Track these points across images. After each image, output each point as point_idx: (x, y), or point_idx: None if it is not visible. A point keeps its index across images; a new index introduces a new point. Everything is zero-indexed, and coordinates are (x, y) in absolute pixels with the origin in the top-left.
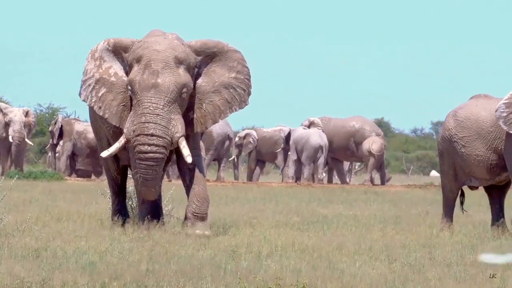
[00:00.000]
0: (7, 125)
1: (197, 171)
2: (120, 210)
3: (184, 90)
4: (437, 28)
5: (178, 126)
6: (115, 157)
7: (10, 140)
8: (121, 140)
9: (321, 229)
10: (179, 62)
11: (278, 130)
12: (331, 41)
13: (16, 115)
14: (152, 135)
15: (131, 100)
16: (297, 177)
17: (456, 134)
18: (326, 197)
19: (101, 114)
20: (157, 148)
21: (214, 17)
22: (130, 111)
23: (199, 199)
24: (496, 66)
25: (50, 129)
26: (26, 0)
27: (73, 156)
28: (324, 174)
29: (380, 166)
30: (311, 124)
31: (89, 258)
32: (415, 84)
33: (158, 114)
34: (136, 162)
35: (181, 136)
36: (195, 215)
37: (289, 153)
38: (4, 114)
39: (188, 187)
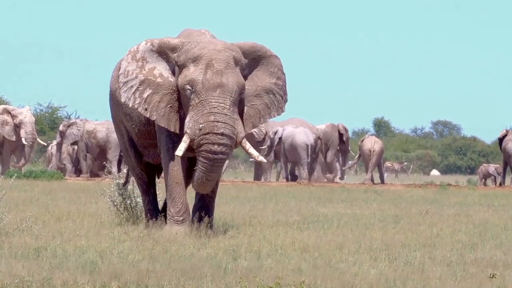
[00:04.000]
0: (17, 127)
1: None
2: (151, 209)
3: (243, 90)
4: (438, 28)
5: (240, 127)
6: (138, 154)
7: (24, 142)
8: (186, 140)
9: (321, 228)
10: (236, 62)
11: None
12: (332, 41)
13: (26, 116)
14: (222, 134)
15: (178, 101)
16: (292, 175)
17: None
18: (326, 196)
19: (147, 116)
20: (225, 148)
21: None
22: (177, 112)
23: (206, 210)
24: (496, 65)
25: (60, 129)
26: (24, 2)
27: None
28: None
29: (378, 165)
30: None
31: (89, 257)
32: (415, 84)
33: (226, 114)
34: (201, 161)
35: (244, 137)
36: (200, 220)
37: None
38: (13, 116)
39: None
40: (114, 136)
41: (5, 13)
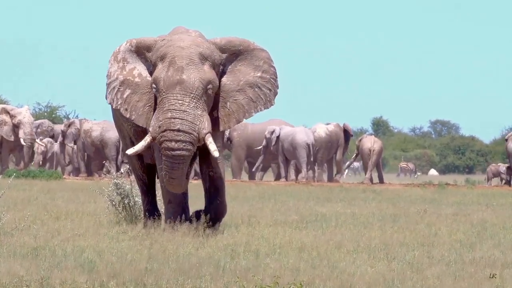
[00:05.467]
0: (15, 127)
1: (218, 178)
2: (150, 209)
3: (210, 86)
4: (437, 28)
5: (204, 122)
6: (139, 155)
7: (22, 142)
8: (147, 138)
9: (320, 228)
10: (203, 58)
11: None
12: (330, 41)
13: (25, 116)
14: (178, 130)
15: (155, 100)
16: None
17: None
18: (325, 196)
19: (127, 116)
20: (184, 144)
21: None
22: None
23: (216, 211)
24: (495, 65)
25: (62, 128)
26: (23, 1)
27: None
28: (309, 171)
29: (377, 165)
30: None
31: (88, 257)
32: (413, 83)
33: (184, 110)
34: (162, 159)
35: (207, 132)
36: (212, 223)
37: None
38: (12, 116)
39: (206, 192)
40: (108, 135)
41: (4, 13)
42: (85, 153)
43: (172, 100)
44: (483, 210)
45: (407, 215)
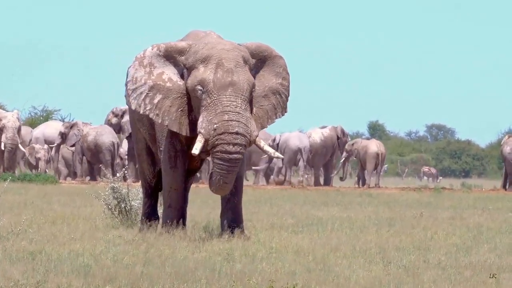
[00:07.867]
0: (1, 130)
1: (239, 177)
2: (150, 213)
3: (254, 89)
4: (433, 31)
5: (253, 125)
6: (152, 161)
7: (2, 147)
8: (201, 140)
9: (316, 232)
10: (245, 61)
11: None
12: (326, 43)
13: (9, 121)
14: (237, 133)
15: (188, 104)
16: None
17: None
18: (321, 200)
19: (159, 122)
20: (240, 148)
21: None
22: (188, 115)
23: (235, 212)
24: (491, 69)
25: (63, 131)
26: (20, 2)
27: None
28: (305, 176)
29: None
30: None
31: (84, 261)
32: (410, 87)
33: (238, 112)
34: (216, 163)
35: (257, 135)
36: (232, 227)
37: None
38: None
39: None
40: (102, 140)
41: (4, 15)
42: (83, 157)
43: (225, 102)
44: (479, 214)
45: (403, 219)
